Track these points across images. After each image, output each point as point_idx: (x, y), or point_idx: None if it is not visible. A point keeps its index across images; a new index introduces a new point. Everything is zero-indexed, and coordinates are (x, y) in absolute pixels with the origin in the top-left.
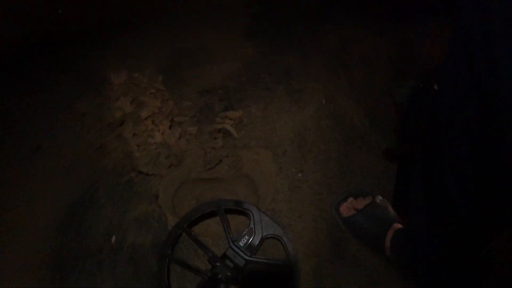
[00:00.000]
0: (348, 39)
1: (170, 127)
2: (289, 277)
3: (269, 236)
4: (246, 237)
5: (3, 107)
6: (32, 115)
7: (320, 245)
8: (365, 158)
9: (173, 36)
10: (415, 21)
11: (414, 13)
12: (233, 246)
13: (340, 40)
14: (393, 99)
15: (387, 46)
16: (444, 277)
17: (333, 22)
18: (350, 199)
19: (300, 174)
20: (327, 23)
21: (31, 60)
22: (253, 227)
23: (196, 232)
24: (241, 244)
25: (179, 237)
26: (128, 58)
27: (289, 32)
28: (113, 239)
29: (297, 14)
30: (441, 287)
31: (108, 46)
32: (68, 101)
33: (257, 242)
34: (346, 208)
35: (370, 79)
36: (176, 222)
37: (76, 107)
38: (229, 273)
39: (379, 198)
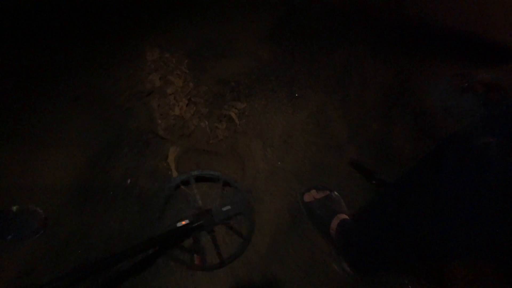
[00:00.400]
0: (352, 59)
1: (187, 105)
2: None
3: (242, 213)
4: (229, 207)
5: (51, 60)
6: (73, 70)
7: (281, 218)
8: (335, 163)
9: (203, 27)
10: (419, 58)
11: (421, 51)
12: (218, 207)
13: (345, 59)
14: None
15: (385, 73)
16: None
17: (344, 42)
18: (313, 190)
19: (279, 163)
20: (339, 42)
21: (77, 21)
22: (238, 201)
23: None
24: (223, 209)
25: (179, 187)
26: (163, 38)
27: (304, 44)
28: (128, 181)
29: (315, 29)
30: (365, 266)
31: (147, 23)
32: (105, 64)
33: (234, 213)
34: (308, 196)
35: (361, 99)
36: (179, 176)
37: (113, 71)
38: (208, 223)
39: (335, 194)
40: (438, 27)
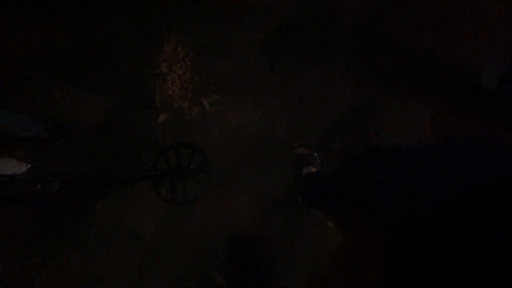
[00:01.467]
0: (325, 79)
1: (179, 88)
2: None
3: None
4: (196, 166)
5: (102, 32)
6: (115, 44)
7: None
8: (262, 154)
9: (214, 26)
10: (390, 92)
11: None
12: (186, 165)
13: (318, 77)
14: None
15: (351, 99)
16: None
17: (325, 61)
18: (301, 147)
19: (228, 142)
20: (321, 61)
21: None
22: (200, 162)
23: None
24: (191, 166)
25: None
26: (180, 33)
27: (292, 56)
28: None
29: (305, 44)
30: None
31: (171, 19)
32: (137, 45)
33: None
34: (298, 150)
35: (314, 116)
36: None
37: (140, 51)
38: (180, 174)
39: (314, 153)
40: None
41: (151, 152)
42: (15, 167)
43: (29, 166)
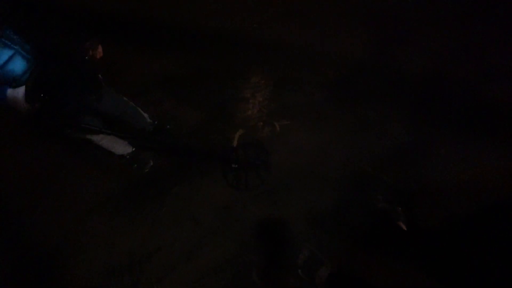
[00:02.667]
0: (384, 118)
1: (257, 111)
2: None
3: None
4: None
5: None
6: (214, 76)
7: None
8: (322, 174)
9: (291, 66)
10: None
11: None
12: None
13: (377, 115)
14: None
15: (409, 137)
16: None
17: (386, 100)
18: (384, 202)
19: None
20: (382, 99)
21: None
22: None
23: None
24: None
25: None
26: (264, 69)
27: (354, 95)
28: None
29: (369, 87)
30: None
31: (258, 59)
32: (234, 75)
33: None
34: (381, 203)
35: (369, 148)
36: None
37: (235, 81)
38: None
39: (399, 208)
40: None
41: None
42: (124, 148)
43: (133, 149)
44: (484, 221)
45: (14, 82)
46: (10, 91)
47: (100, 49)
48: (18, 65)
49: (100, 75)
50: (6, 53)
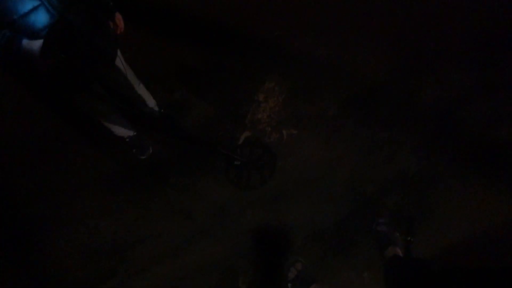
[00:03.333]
0: (394, 144)
1: (267, 116)
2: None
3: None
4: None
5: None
6: (235, 77)
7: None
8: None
9: (308, 77)
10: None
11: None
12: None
13: (387, 138)
14: None
15: (411, 166)
16: None
17: (398, 126)
18: (383, 224)
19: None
20: (394, 123)
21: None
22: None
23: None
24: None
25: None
26: (279, 77)
27: (367, 116)
28: (220, 133)
29: (383, 110)
30: None
31: (275, 67)
32: (244, 74)
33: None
34: (380, 226)
35: (376, 170)
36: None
37: (248, 85)
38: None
39: (397, 233)
40: None
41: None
42: (125, 130)
43: (135, 133)
44: (481, 256)
45: (33, 35)
46: (26, 42)
47: (122, 24)
48: (41, 18)
49: (119, 50)
50: (31, 3)
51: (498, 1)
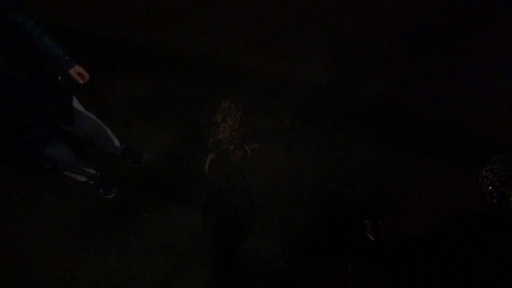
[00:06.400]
0: (349, 139)
1: (228, 135)
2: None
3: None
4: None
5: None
6: (181, 91)
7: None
8: (291, 192)
9: (260, 93)
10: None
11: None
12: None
13: (342, 136)
14: None
15: (372, 155)
16: None
17: (350, 124)
18: (351, 213)
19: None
20: (346, 123)
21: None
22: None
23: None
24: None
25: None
26: (235, 95)
27: (320, 120)
28: (184, 160)
29: (333, 111)
30: None
31: (228, 84)
32: (198, 98)
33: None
34: (349, 216)
35: (337, 167)
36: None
37: (204, 105)
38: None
39: (366, 221)
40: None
41: (197, 180)
42: (88, 171)
43: (98, 173)
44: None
45: None
46: None
47: (85, 74)
48: None
49: (74, 97)
50: None
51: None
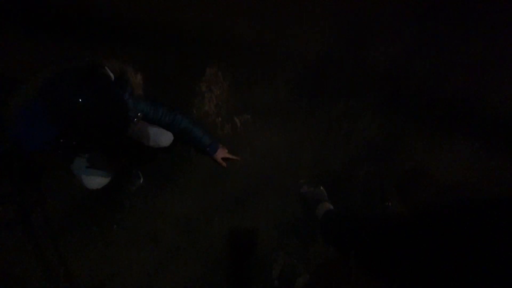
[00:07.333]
0: (352, 113)
1: (215, 106)
2: None
3: None
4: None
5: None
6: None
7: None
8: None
9: (252, 61)
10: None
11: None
12: None
13: (344, 110)
14: None
15: (375, 131)
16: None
17: (353, 95)
18: (306, 185)
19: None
20: (349, 94)
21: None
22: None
23: None
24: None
25: None
26: (222, 62)
27: (321, 92)
28: None
29: (335, 82)
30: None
31: (216, 51)
32: (179, 66)
33: None
34: (303, 187)
35: (339, 145)
36: None
37: (191, 72)
38: None
39: (320, 187)
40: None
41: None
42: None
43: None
44: (450, 210)
45: None
46: None
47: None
48: None
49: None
50: None
51: None
